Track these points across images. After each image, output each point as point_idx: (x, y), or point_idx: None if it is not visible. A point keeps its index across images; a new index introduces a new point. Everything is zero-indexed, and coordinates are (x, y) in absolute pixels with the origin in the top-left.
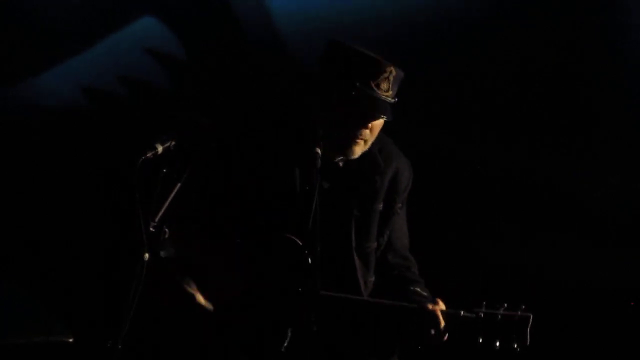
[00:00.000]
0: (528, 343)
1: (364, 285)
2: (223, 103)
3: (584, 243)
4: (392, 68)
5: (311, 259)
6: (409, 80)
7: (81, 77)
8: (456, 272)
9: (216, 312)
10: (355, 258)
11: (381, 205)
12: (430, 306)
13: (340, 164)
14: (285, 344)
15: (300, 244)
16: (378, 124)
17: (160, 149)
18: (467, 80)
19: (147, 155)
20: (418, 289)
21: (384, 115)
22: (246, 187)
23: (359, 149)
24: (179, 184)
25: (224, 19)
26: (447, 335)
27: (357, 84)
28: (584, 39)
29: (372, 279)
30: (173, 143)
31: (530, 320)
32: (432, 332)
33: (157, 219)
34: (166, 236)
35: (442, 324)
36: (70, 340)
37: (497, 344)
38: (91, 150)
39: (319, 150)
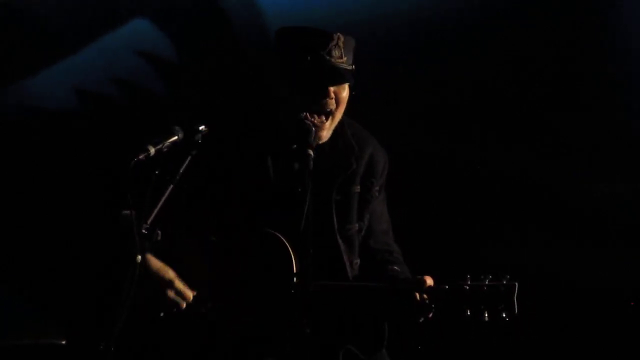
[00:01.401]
0: (516, 312)
1: (350, 267)
2: (215, 105)
3: (583, 243)
4: (339, 35)
5: (303, 261)
6: (408, 81)
7: (73, 79)
8: (455, 272)
9: (208, 313)
10: (339, 240)
11: (358, 187)
12: (406, 283)
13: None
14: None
15: (290, 245)
16: (342, 95)
17: (152, 151)
18: (467, 81)
19: (140, 157)
20: (396, 267)
21: (340, 79)
22: (237, 188)
23: (326, 133)
24: (171, 186)
25: (216, 20)
26: (430, 309)
27: (308, 57)
28: (584, 39)
29: (357, 260)
30: (166, 144)
31: (516, 288)
32: (411, 308)
33: (149, 221)
34: (159, 238)
35: (419, 298)
36: (63, 342)
37: (486, 315)
38: (83, 152)
39: (311, 152)
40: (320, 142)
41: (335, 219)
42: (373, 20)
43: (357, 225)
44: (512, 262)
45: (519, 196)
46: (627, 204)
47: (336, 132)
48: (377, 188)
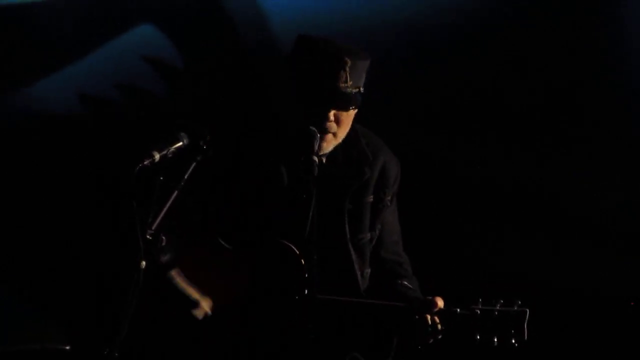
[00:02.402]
0: (526, 338)
1: (361, 277)
2: (220, 110)
3: (583, 242)
4: (348, 59)
5: (308, 268)
6: (408, 81)
7: (79, 84)
8: (455, 274)
9: (213, 320)
10: (351, 250)
11: (371, 197)
12: (416, 304)
13: (323, 159)
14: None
15: (297, 251)
16: (345, 115)
17: (157, 156)
18: (467, 81)
19: (145, 162)
20: (405, 282)
21: (338, 105)
22: (243, 193)
23: (326, 145)
24: (176, 192)
25: (221, 25)
26: (440, 332)
27: (313, 77)
28: (584, 40)
29: (369, 270)
30: (170, 150)
31: (527, 315)
32: (421, 329)
33: (154, 227)
34: (163, 244)
35: (430, 320)
36: (67, 347)
37: (495, 340)
38: (88, 157)
39: (316, 159)
40: (322, 152)
41: (347, 229)
42: (372, 23)
43: (368, 234)
44: (511, 262)
45: (519, 196)
46: (627, 204)
47: (351, 142)
48: (389, 197)
